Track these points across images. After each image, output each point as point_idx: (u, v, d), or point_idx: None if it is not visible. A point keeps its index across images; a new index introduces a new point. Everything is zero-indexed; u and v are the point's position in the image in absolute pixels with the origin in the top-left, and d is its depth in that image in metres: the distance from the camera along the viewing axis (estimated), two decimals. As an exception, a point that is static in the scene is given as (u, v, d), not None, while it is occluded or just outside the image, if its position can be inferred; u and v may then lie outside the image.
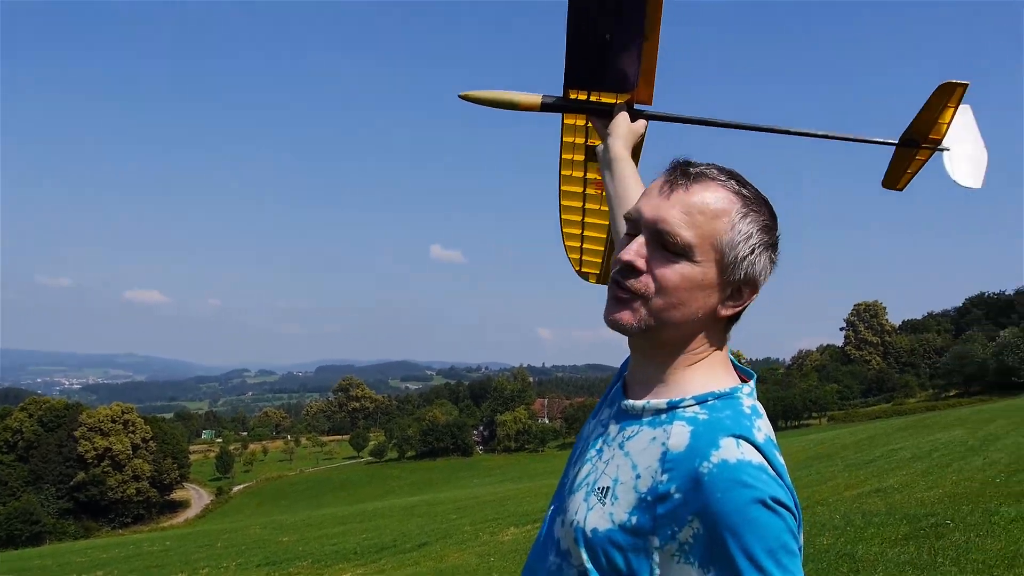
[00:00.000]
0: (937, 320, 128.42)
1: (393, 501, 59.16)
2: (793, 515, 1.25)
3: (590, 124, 2.66)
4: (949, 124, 2.77)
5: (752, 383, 1.50)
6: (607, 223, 2.90)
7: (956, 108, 2.73)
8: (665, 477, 1.31)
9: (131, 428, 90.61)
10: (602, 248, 2.95)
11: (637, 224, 1.45)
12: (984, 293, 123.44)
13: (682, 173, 1.43)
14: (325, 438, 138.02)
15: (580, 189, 2.84)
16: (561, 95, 2.52)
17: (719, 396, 1.41)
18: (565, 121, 2.69)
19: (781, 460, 1.32)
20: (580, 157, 2.78)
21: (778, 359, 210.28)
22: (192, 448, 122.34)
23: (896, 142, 2.83)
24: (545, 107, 2.58)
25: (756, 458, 1.27)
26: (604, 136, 2.46)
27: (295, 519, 42.93)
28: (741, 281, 1.42)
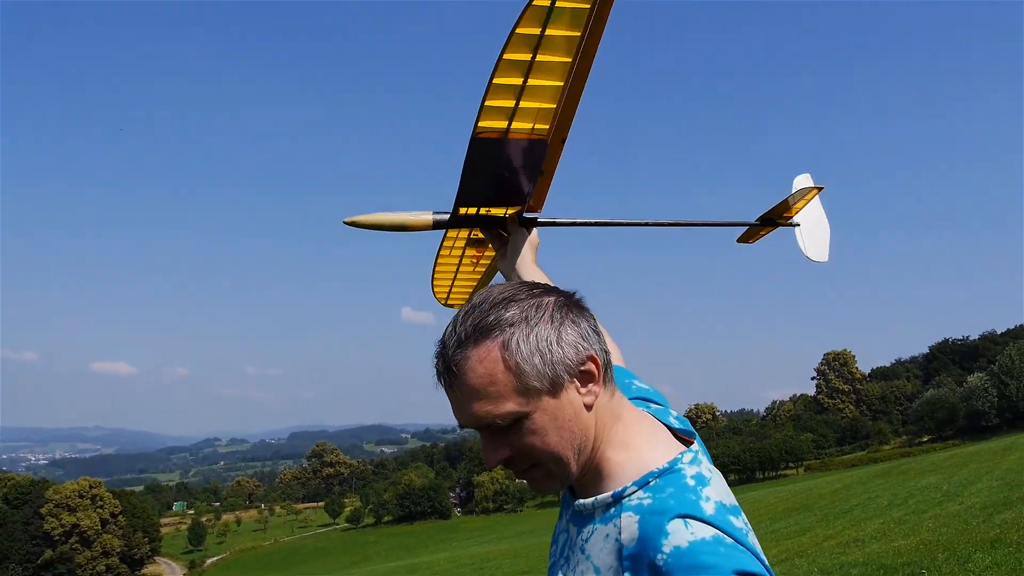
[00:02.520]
0: (906, 367, 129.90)
1: (371, 568, 58.15)
2: None
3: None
4: (801, 208, 3.48)
5: (695, 444, 1.46)
6: (480, 277, 3.36)
7: (811, 200, 3.47)
8: None
9: (99, 503, 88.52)
10: (470, 290, 3.46)
11: (473, 428, 1.41)
12: (949, 339, 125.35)
13: (444, 373, 1.37)
14: (300, 506, 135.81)
15: (456, 261, 3.23)
16: (450, 211, 2.68)
17: (659, 474, 1.37)
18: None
19: (739, 524, 1.28)
20: (460, 244, 3.09)
21: (752, 410, 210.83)
22: (163, 521, 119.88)
23: (755, 222, 3.51)
24: (437, 225, 2.70)
25: (708, 533, 1.23)
26: (497, 244, 2.69)
27: (271, 591, 42.03)
28: (571, 375, 1.37)
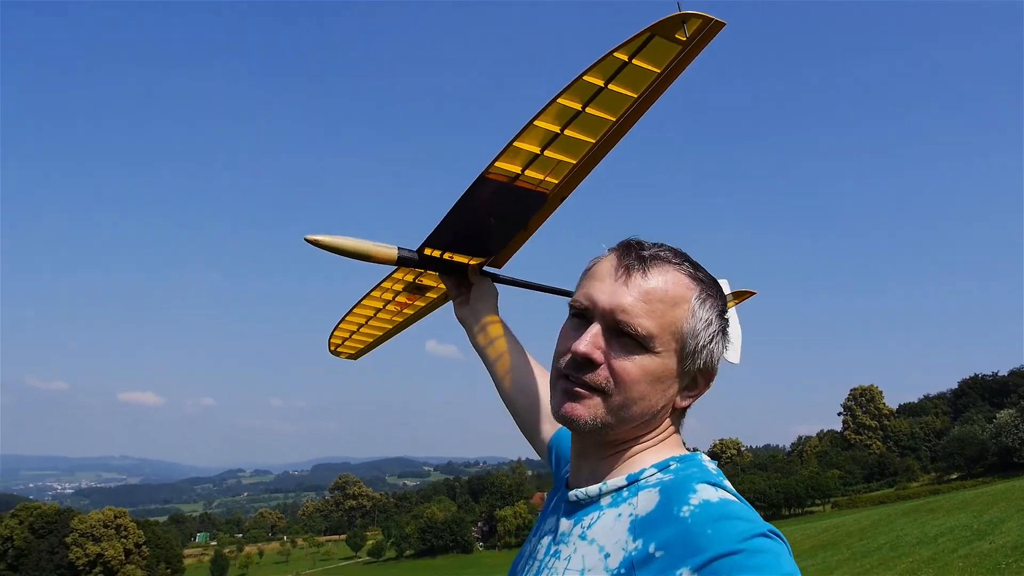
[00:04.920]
0: (934, 402, 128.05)
1: (393, 602, 57.87)
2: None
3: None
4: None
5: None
6: (389, 328, 3.12)
7: (735, 304, 3.67)
8: (639, 543, 1.18)
9: (124, 533, 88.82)
10: (370, 340, 3.27)
11: (587, 312, 1.34)
12: (978, 375, 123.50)
13: (637, 256, 1.33)
14: (322, 538, 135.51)
15: (381, 304, 3.07)
16: (417, 248, 2.53)
17: (680, 459, 1.32)
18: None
19: None
20: (399, 287, 2.93)
21: (778, 446, 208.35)
22: (186, 552, 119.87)
23: None
24: (402, 261, 2.58)
25: (737, 500, 1.20)
26: (453, 292, 2.46)
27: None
28: (699, 371, 1.34)
